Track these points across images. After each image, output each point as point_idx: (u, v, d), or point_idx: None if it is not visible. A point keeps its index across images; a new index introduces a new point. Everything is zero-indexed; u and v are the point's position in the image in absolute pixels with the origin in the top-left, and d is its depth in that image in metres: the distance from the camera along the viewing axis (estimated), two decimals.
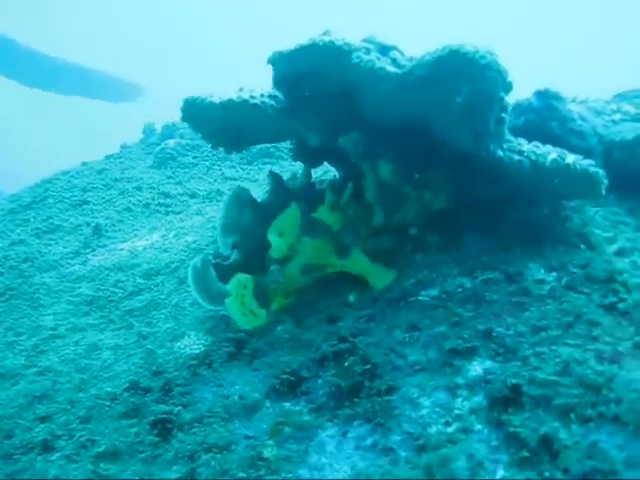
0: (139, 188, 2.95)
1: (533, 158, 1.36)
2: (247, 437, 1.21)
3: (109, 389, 1.45)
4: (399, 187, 1.57)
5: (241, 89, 1.53)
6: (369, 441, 1.12)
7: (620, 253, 1.42)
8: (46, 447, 1.31)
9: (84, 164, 3.48)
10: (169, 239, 2.29)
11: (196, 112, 1.55)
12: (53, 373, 1.57)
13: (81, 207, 2.82)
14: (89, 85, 10.60)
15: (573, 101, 1.89)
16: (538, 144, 1.40)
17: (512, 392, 1.10)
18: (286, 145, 2.82)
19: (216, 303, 1.54)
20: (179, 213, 2.63)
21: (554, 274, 1.37)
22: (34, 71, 9.83)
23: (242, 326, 1.52)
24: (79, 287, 2.04)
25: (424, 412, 1.13)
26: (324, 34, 1.38)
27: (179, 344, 1.55)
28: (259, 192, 2.40)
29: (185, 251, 2.11)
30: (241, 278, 1.56)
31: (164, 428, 1.28)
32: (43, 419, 1.40)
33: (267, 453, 1.16)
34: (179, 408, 1.32)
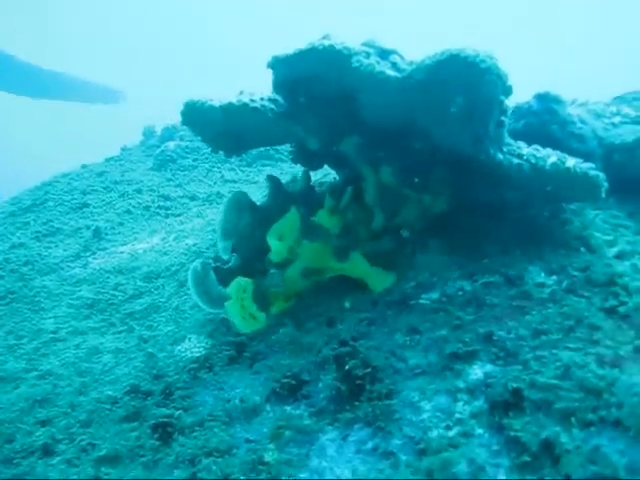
0: (139, 191, 2.96)
1: (533, 161, 1.36)
2: (248, 441, 1.21)
3: (110, 393, 1.45)
4: (399, 190, 1.57)
5: (241, 92, 1.53)
6: (370, 445, 1.12)
7: (620, 256, 1.42)
8: (47, 451, 1.31)
9: (84, 166, 3.49)
10: (169, 242, 2.29)
11: (196, 115, 1.55)
12: (54, 377, 1.57)
13: (81, 210, 2.82)
14: (72, 92, 11.14)
15: (573, 103, 1.89)
16: (538, 147, 1.40)
17: (513, 396, 1.09)
18: (286, 147, 2.83)
19: (216, 306, 1.55)
20: (179, 216, 2.63)
21: (554, 277, 1.37)
22: (20, 80, 10.21)
23: (242, 330, 1.52)
24: (79, 290, 2.04)
25: (425, 416, 1.13)
26: (324, 38, 1.38)
27: (180, 347, 1.55)
28: (259, 194, 2.41)
29: (185, 254, 2.11)
30: (241, 282, 1.56)
31: (165, 432, 1.28)
32: (44, 423, 1.40)
33: (268, 457, 1.16)
34: (180, 412, 1.32)
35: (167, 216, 2.65)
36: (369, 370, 1.25)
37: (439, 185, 1.56)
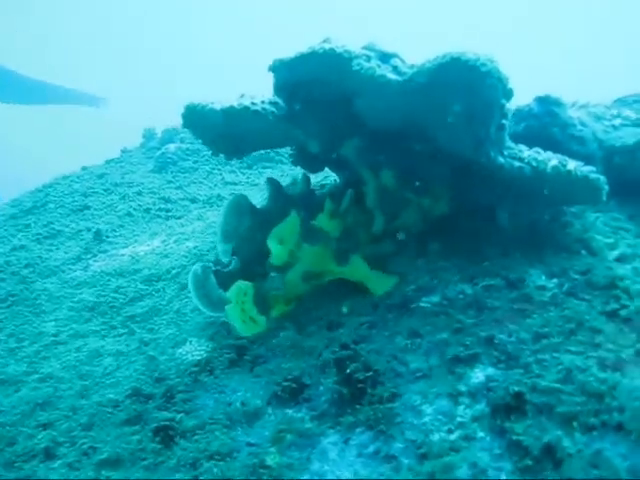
0: (140, 193, 2.96)
1: (534, 164, 1.36)
2: (249, 444, 1.21)
3: (111, 396, 1.45)
4: (400, 193, 1.57)
5: (242, 96, 1.53)
6: (371, 448, 1.12)
7: (621, 259, 1.42)
8: (48, 454, 1.31)
9: (84, 168, 3.49)
10: (170, 244, 2.29)
11: (197, 118, 1.55)
12: (55, 380, 1.57)
13: (82, 212, 2.82)
14: (55, 98, 11.53)
15: (573, 106, 1.90)
16: (539, 150, 1.40)
17: (514, 400, 1.10)
18: (286, 149, 2.83)
19: (217, 310, 1.55)
20: (180, 218, 2.63)
21: (555, 280, 1.37)
22: (7, 88, 10.54)
23: (242, 333, 1.52)
24: (80, 293, 2.04)
25: (426, 419, 1.13)
26: (324, 41, 1.38)
27: (180, 350, 1.55)
28: (259, 197, 2.41)
29: (186, 257, 2.11)
30: (241, 285, 1.56)
31: (166, 435, 1.28)
32: (45, 426, 1.40)
33: (269, 460, 1.16)
34: (181, 415, 1.32)
35: (168, 218, 2.65)
36: (370, 374, 1.26)
37: (440, 188, 1.56)
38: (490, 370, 1.18)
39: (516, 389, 1.11)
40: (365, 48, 1.37)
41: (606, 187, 1.36)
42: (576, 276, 1.37)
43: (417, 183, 1.54)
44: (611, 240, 1.49)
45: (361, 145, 1.57)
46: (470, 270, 1.45)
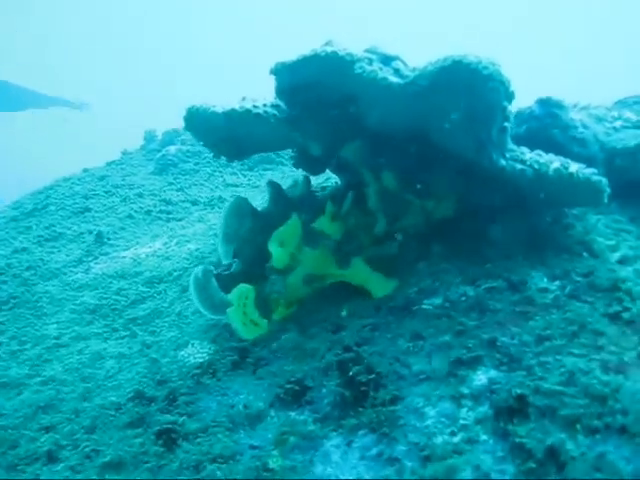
0: (140, 195, 2.96)
1: (536, 167, 1.36)
2: (252, 447, 1.21)
3: (113, 399, 1.45)
4: (402, 195, 1.57)
5: (243, 98, 1.54)
6: (374, 451, 1.12)
7: (623, 261, 1.42)
8: (51, 457, 1.31)
9: (85, 170, 3.49)
10: (171, 247, 2.29)
11: (199, 121, 1.55)
12: (57, 382, 1.57)
13: (83, 214, 2.83)
14: (39, 104, 11.68)
15: (574, 107, 1.90)
16: (541, 153, 1.41)
17: (517, 402, 1.10)
18: (287, 151, 2.83)
19: (218, 313, 1.54)
20: (181, 220, 2.63)
21: (557, 283, 1.37)
22: None
23: (243, 336, 1.52)
24: (82, 295, 2.04)
25: (429, 422, 1.13)
26: (326, 44, 1.38)
27: (183, 353, 1.56)
28: (260, 199, 2.41)
29: (188, 259, 2.11)
30: (242, 288, 1.56)
31: (169, 438, 1.28)
32: (47, 429, 1.40)
33: (272, 463, 1.16)
34: (184, 418, 1.32)
35: (169, 220, 2.65)
36: (373, 376, 1.25)
37: (442, 190, 1.56)
38: (493, 372, 1.18)
39: (519, 392, 1.11)
40: (367, 51, 1.37)
41: (608, 189, 1.36)
42: (578, 278, 1.37)
43: (418, 186, 1.54)
44: (613, 242, 1.49)
45: (363, 147, 1.58)
46: (472, 272, 1.45)
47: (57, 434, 1.37)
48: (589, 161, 1.51)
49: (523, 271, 1.42)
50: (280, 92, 1.50)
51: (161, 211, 2.76)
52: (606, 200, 1.38)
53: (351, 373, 1.28)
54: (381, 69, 1.32)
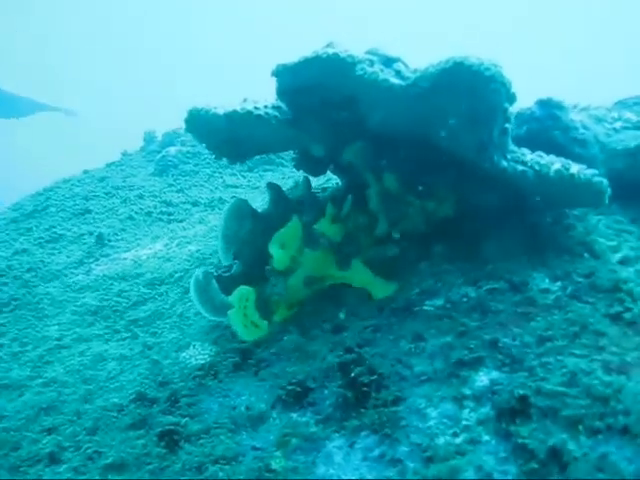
0: (141, 196, 2.96)
1: (537, 168, 1.36)
2: (254, 448, 1.21)
3: (115, 400, 1.45)
4: (403, 197, 1.57)
5: (245, 100, 1.54)
6: (376, 452, 1.12)
7: (624, 262, 1.42)
8: (53, 459, 1.31)
9: (85, 172, 3.49)
10: (172, 248, 2.29)
11: (200, 123, 1.55)
12: (59, 384, 1.57)
13: (83, 216, 2.83)
14: (27, 110, 11.72)
15: (574, 108, 1.90)
16: (541, 154, 1.41)
17: (519, 403, 1.10)
18: (287, 152, 2.83)
19: (219, 315, 1.55)
20: (181, 221, 2.63)
21: (559, 283, 1.37)
22: None
23: (244, 337, 1.52)
24: (83, 297, 2.04)
25: (431, 423, 1.13)
26: (328, 46, 1.38)
27: (184, 354, 1.56)
28: (260, 200, 2.41)
29: (189, 260, 2.11)
30: (243, 290, 1.56)
31: (171, 440, 1.28)
32: (49, 431, 1.40)
33: (275, 464, 1.16)
34: (186, 419, 1.32)
35: (169, 222, 2.65)
36: (375, 377, 1.26)
37: (443, 191, 1.56)
38: (495, 373, 1.18)
39: (521, 392, 1.11)
40: (368, 52, 1.38)
41: (609, 190, 1.36)
42: (579, 279, 1.37)
43: (420, 187, 1.55)
44: (614, 243, 1.49)
45: (364, 149, 1.58)
46: (473, 273, 1.45)
47: (59, 436, 1.37)
48: (590, 162, 1.51)
49: (524, 272, 1.42)
50: (281, 94, 1.50)
51: (162, 212, 2.76)
52: (607, 201, 1.38)
53: (353, 374, 1.28)
54: (382, 71, 1.32)
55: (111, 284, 2.10)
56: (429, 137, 1.43)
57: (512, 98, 1.31)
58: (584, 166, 1.38)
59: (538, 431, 1.04)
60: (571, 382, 1.11)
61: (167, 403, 1.39)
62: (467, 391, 1.17)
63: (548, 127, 1.68)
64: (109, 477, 1.23)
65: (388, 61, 1.38)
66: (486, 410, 1.12)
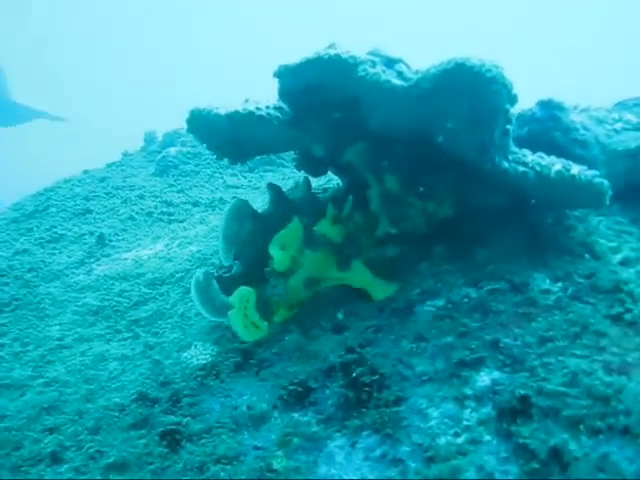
0: (142, 196, 2.96)
1: (538, 169, 1.37)
2: (256, 448, 1.22)
3: (117, 400, 1.45)
4: (404, 197, 1.58)
5: (246, 100, 1.54)
6: (378, 452, 1.13)
7: (625, 263, 1.43)
8: (55, 459, 1.31)
9: (85, 172, 3.49)
10: (173, 248, 2.29)
11: (202, 124, 1.55)
12: (60, 384, 1.57)
13: (84, 216, 2.83)
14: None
15: (575, 109, 1.90)
16: (542, 155, 1.41)
17: (520, 403, 1.10)
18: (287, 153, 2.84)
19: (220, 315, 1.55)
20: (182, 222, 2.63)
21: (560, 284, 1.38)
22: None
23: (244, 338, 1.52)
24: (84, 297, 2.05)
25: (433, 423, 1.14)
26: (329, 47, 1.39)
27: (186, 354, 1.56)
28: (260, 200, 2.41)
29: (190, 260, 2.12)
30: (243, 291, 1.57)
31: (173, 439, 1.28)
32: (51, 430, 1.40)
33: (276, 464, 1.16)
34: (187, 419, 1.33)
35: (170, 222, 2.66)
36: (376, 377, 1.26)
37: (444, 192, 1.57)
38: (496, 374, 1.19)
39: (522, 392, 1.11)
40: (370, 53, 1.38)
41: (610, 191, 1.37)
42: (580, 280, 1.38)
43: (421, 188, 1.55)
44: (614, 244, 1.50)
45: (365, 150, 1.58)
46: (474, 274, 1.46)
47: (61, 435, 1.37)
48: (590, 163, 1.52)
49: (525, 273, 1.42)
50: (283, 94, 1.50)
51: (162, 213, 2.76)
52: (608, 202, 1.39)
53: (354, 374, 1.28)
54: (384, 72, 1.33)
55: (112, 284, 2.10)
56: (430, 138, 1.43)
57: (513, 99, 1.31)
58: (585, 167, 1.38)
59: (539, 431, 1.05)
60: (572, 382, 1.11)
61: (169, 403, 1.39)
62: (468, 391, 1.17)
63: (549, 128, 1.68)
64: (111, 477, 1.23)
65: (390, 62, 1.38)
66: (487, 410, 1.12)
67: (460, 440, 1.09)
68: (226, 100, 1.53)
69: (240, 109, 1.48)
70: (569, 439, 1.02)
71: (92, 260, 2.37)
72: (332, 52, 1.33)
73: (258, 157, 3.07)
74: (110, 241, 2.51)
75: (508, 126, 1.34)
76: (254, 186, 2.96)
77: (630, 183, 1.66)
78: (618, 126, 1.81)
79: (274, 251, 1.57)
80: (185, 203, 2.85)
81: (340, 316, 1.50)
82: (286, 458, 1.17)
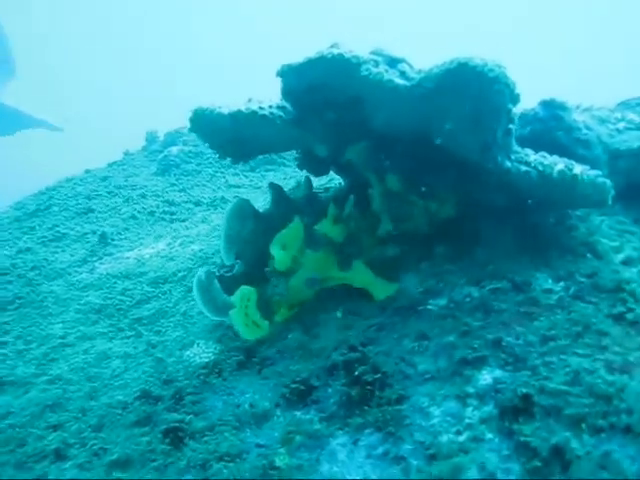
0: (143, 196, 2.97)
1: (540, 169, 1.37)
2: (258, 445, 1.22)
3: (120, 397, 1.46)
4: (406, 197, 1.58)
5: (249, 100, 1.54)
6: (380, 450, 1.13)
7: (627, 262, 1.43)
8: (59, 455, 1.32)
9: (87, 171, 3.50)
10: (175, 247, 2.30)
11: (205, 123, 1.56)
12: (63, 381, 1.58)
13: (86, 215, 2.84)
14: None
15: (577, 108, 1.91)
16: (545, 154, 1.41)
17: (522, 401, 1.11)
18: (289, 152, 2.84)
19: (221, 314, 1.55)
20: (184, 221, 2.64)
21: (562, 284, 1.38)
22: None
23: (245, 337, 1.53)
24: (87, 295, 2.05)
25: (435, 421, 1.14)
26: (332, 46, 1.39)
27: (188, 353, 1.56)
28: (262, 200, 2.42)
29: (192, 259, 2.12)
30: (244, 290, 1.57)
31: (176, 437, 1.29)
32: (55, 427, 1.41)
33: (279, 462, 1.17)
34: (190, 417, 1.33)
35: (172, 221, 2.66)
36: (379, 376, 1.27)
37: (446, 191, 1.57)
38: (498, 372, 1.19)
39: (524, 391, 1.12)
40: (373, 53, 1.38)
41: (612, 191, 1.37)
42: (582, 279, 1.38)
43: (423, 188, 1.55)
44: (616, 243, 1.50)
45: (367, 149, 1.59)
46: (476, 273, 1.46)
47: (65, 432, 1.38)
48: (593, 163, 1.52)
49: (527, 272, 1.43)
50: (286, 94, 1.51)
51: (164, 212, 2.77)
52: (610, 202, 1.39)
53: (357, 373, 1.29)
54: (387, 71, 1.33)
55: (115, 283, 2.11)
56: (432, 138, 1.44)
57: (516, 99, 1.32)
58: (587, 167, 1.38)
59: (541, 429, 1.05)
60: (574, 381, 1.12)
61: (171, 401, 1.40)
62: (470, 390, 1.18)
63: (551, 128, 1.69)
64: (114, 473, 1.23)
65: (392, 62, 1.38)
66: (489, 408, 1.13)
67: (462, 438, 1.09)
68: (226, 100, 1.53)
69: (243, 108, 1.49)
70: (571, 437, 1.02)
71: (94, 259, 2.37)
72: (335, 51, 1.34)
73: (259, 156, 3.07)
74: (112, 240, 2.52)
75: (511, 126, 1.35)
76: (256, 185, 2.96)
77: (632, 183, 1.66)
78: (621, 126, 1.81)
79: (275, 251, 1.57)
80: (187, 202, 2.85)
81: (339, 314, 1.50)
82: (288, 456, 1.18)
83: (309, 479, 1.12)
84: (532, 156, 1.40)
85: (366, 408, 1.22)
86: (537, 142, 1.55)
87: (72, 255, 2.42)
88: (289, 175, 2.96)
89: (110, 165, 3.61)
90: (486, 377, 1.19)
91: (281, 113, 1.50)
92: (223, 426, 1.29)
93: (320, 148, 1.63)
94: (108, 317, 1.89)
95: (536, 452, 1.02)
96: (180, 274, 2.05)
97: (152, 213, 2.76)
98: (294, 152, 1.86)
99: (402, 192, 1.58)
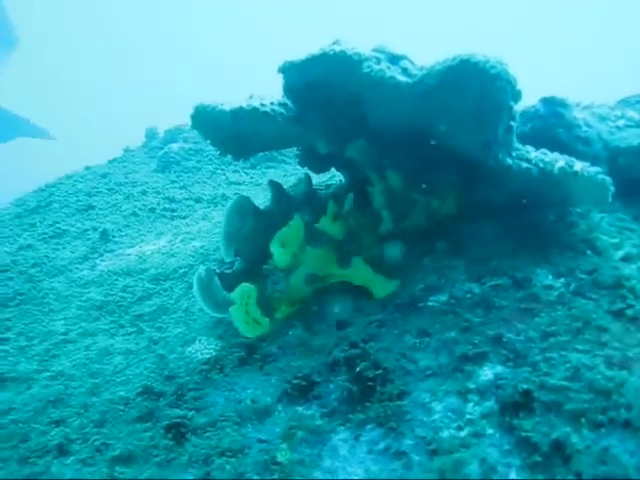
0: (144, 192, 2.97)
1: (541, 166, 1.37)
2: (260, 441, 1.23)
3: (122, 393, 1.46)
4: (407, 194, 1.58)
5: (251, 96, 1.55)
6: (382, 445, 1.14)
7: (627, 259, 1.44)
8: (61, 451, 1.32)
9: (87, 168, 3.50)
10: (176, 244, 2.30)
11: (206, 120, 1.56)
12: (65, 377, 1.58)
13: (87, 212, 2.84)
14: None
15: (577, 106, 1.91)
16: (545, 151, 1.42)
17: (523, 397, 1.11)
18: (289, 149, 2.84)
19: (222, 311, 1.55)
20: (185, 218, 2.64)
21: (562, 280, 1.39)
22: None
23: (245, 334, 1.53)
24: (88, 292, 2.05)
25: (436, 417, 1.15)
26: (334, 43, 1.39)
27: (190, 349, 1.57)
28: (262, 197, 2.42)
29: (193, 256, 2.13)
30: (245, 287, 1.57)
31: (178, 432, 1.29)
32: (57, 423, 1.41)
33: (281, 457, 1.17)
34: (192, 412, 1.34)
35: (173, 218, 2.67)
36: (380, 371, 1.27)
37: (447, 188, 1.58)
38: (499, 368, 1.20)
39: (524, 387, 1.13)
40: (375, 50, 1.39)
41: (612, 188, 1.38)
42: (582, 276, 1.39)
43: (424, 185, 1.56)
44: (616, 240, 1.51)
45: (368, 146, 1.59)
46: (477, 269, 1.47)
47: (67, 428, 1.38)
48: (593, 160, 1.53)
49: (528, 268, 1.43)
50: (288, 90, 1.51)
51: (165, 209, 2.77)
52: (610, 199, 1.40)
53: (358, 369, 1.29)
54: (389, 68, 1.33)
55: (116, 279, 2.11)
56: (434, 134, 1.44)
57: (517, 96, 1.32)
58: (588, 164, 1.39)
59: (541, 424, 1.06)
60: (574, 377, 1.12)
61: (173, 396, 1.40)
62: (471, 385, 1.18)
63: (552, 125, 1.69)
64: (117, 468, 1.24)
65: (394, 59, 1.39)
66: (490, 404, 1.14)
67: (463, 433, 1.10)
68: (227, 99, 1.53)
69: (244, 105, 1.49)
70: (571, 432, 1.03)
71: (95, 255, 2.37)
72: (337, 48, 1.34)
73: (260, 154, 3.07)
74: (113, 237, 2.52)
75: (512, 123, 1.35)
76: (256, 182, 2.97)
77: (632, 179, 1.67)
78: (621, 123, 1.82)
79: (275, 249, 1.57)
80: (187, 199, 2.86)
81: (336, 310, 1.50)
82: (290, 451, 1.18)
83: (310, 475, 1.12)
84: (533, 153, 1.40)
85: (367, 404, 1.22)
86: (538, 139, 1.56)
87: (73, 252, 2.42)
88: (289, 172, 2.96)
89: (110, 162, 3.61)
90: (487, 373, 1.20)
91: (282, 110, 1.50)
92: (225, 422, 1.29)
93: (321, 145, 1.63)
94: (109, 314, 1.89)
95: (537, 447, 1.03)
96: (181, 271, 2.05)
97: (153, 210, 2.76)
98: (295, 149, 1.86)
99: (403, 189, 1.59)
